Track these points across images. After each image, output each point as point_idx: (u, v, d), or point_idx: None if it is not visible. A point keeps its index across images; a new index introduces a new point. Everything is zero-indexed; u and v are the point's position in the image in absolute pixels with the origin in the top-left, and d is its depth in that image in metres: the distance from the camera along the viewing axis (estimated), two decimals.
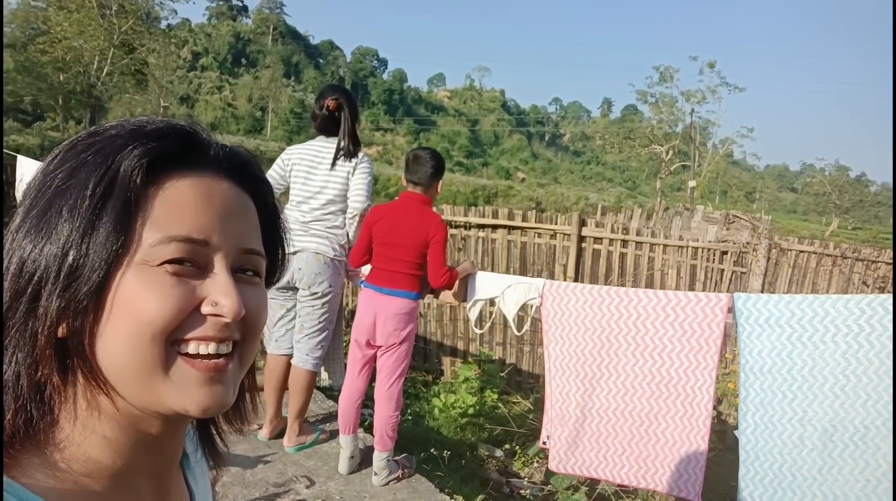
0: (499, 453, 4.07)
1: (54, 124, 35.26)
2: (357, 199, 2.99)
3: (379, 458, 2.93)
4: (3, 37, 33.47)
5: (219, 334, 0.52)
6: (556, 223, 5.59)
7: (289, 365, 3.15)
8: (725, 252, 5.57)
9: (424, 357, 5.82)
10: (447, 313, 5.71)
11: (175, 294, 0.50)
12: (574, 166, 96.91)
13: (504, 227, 5.59)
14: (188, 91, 69.16)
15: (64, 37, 26.77)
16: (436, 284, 2.85)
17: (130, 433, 0.53)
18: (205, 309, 0.51)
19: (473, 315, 3.01)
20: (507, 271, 5.60)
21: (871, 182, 62.91)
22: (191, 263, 0.51)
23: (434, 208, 3.08)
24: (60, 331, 0.49)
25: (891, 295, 2.10)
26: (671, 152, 41.91)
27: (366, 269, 3.02)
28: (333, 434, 3.30)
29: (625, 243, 5.55)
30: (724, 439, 4.56)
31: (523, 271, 5.58)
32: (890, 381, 2.04)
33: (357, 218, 3.00)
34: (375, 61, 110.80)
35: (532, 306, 2.82)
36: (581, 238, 5.53)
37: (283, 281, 2.95)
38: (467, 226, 5.65)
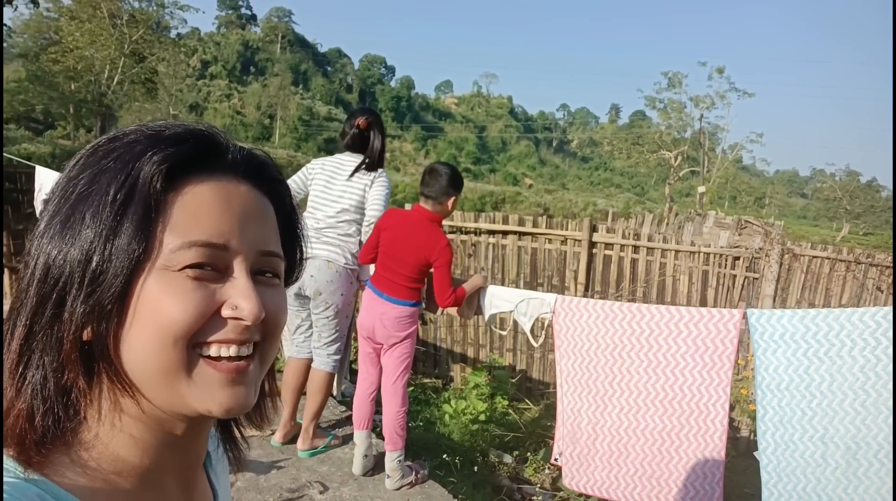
0: (509, 459, 4.05)
1: (65, 133, 35.57)
2: (374, 207, 3.04)
3: (390, 458, 2.93)
4: (16, 47, 33.88)
5: (240, 336, 0.53)
6: (566, 229, 5.58)
7: (308, 368, 3.19)
8: (738, 258, 5.53)
9: (434, 364, 5.82)
10: (456, 319, 5.70)
11: (196, 299, 0.50)
12: (582, 172, 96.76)
13: (514, 233, 5.58)
14: (197, 99, 69.67)
15: (76, 46, 27.14)
16: (442, 305, 2.86)
17: (156, 432, 0.54)
18: (225, 312, 0.52)
19: (491, 321, 3.03)
20: (518, 278, 5.60)
21: (882, 187, 62.35)
22: (211, 267, 0.52)
23: None
24: (85, 335, 0.50)
25: None
26: (680, 158, 41.79)
27: (372, 268, 3.06)
28: (346, 440, 3.31)
29: (636, 248, 5.53)
30: (736, 445, 4.53)
31: (534, 277, 5.57)
32: None
33: (373, 226, 3.04)
34: (383, 69, 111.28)
35: (544, 321, 2.82)
36: (592, 244, 5.51)
37: (296, 288, 2.97)
38: (477, 232, 5.65)
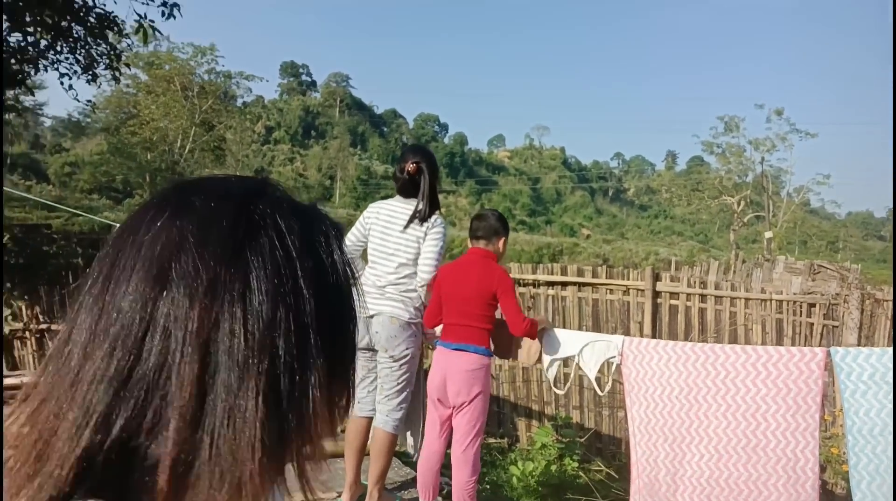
0: None
1: (142, 201, 37.72)
2: (425, 270, 2.98)
3: None
4: (99, 122, 36.55)
5: None
6: (628, 279, 5.44)
7: (369, 427, 3.15)
8: (813, 305, 5.23)
9: (498, 422, 5.67)
10: (520, 374, 5.57)
11: None
12: (641, 221, 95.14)
13: (574, 284, 5.48)
14: (262, 164, 73.00)
15: (151, 118, 29.18)
16: (517, 332, 2.82)
17: None
18: None
19: (552, 375, 2.93)
20: (580, 330, 5.45)
21: None
22: None
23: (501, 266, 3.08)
24: None
25: None
26: (743, 203, 40.55)
27: (440, 329, 3.03)
28: None
29: (703, 297, 5.32)
30: None
31: (596, 329, 5.40)
32: None
33: (425, 288, 3.01)
34: (437, 126, 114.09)
35: (611, 365, 2.71)
36: (656, 293, 5.33)
37: (364, 343, 2.98)
38: (536, 284, 5.57)
